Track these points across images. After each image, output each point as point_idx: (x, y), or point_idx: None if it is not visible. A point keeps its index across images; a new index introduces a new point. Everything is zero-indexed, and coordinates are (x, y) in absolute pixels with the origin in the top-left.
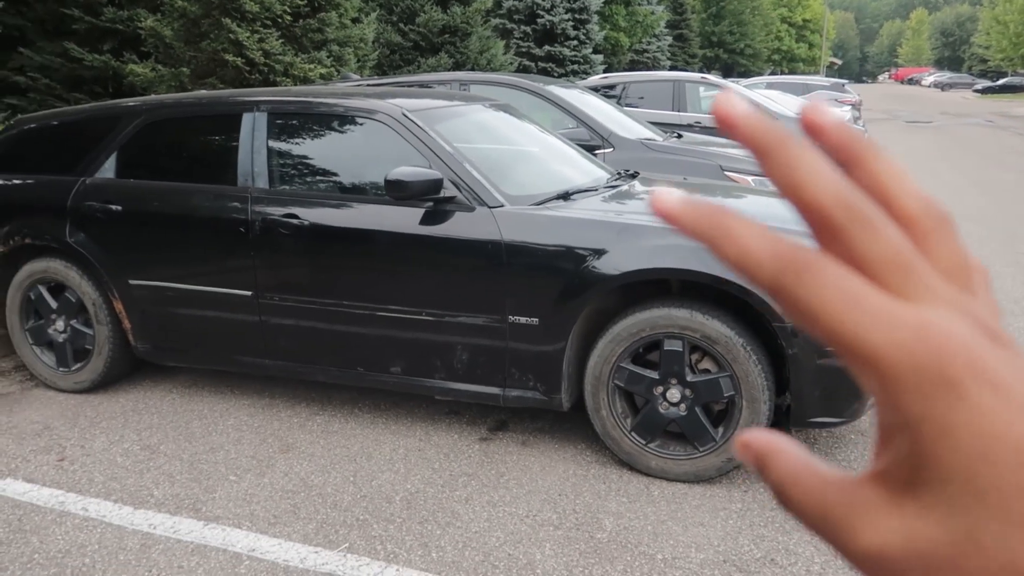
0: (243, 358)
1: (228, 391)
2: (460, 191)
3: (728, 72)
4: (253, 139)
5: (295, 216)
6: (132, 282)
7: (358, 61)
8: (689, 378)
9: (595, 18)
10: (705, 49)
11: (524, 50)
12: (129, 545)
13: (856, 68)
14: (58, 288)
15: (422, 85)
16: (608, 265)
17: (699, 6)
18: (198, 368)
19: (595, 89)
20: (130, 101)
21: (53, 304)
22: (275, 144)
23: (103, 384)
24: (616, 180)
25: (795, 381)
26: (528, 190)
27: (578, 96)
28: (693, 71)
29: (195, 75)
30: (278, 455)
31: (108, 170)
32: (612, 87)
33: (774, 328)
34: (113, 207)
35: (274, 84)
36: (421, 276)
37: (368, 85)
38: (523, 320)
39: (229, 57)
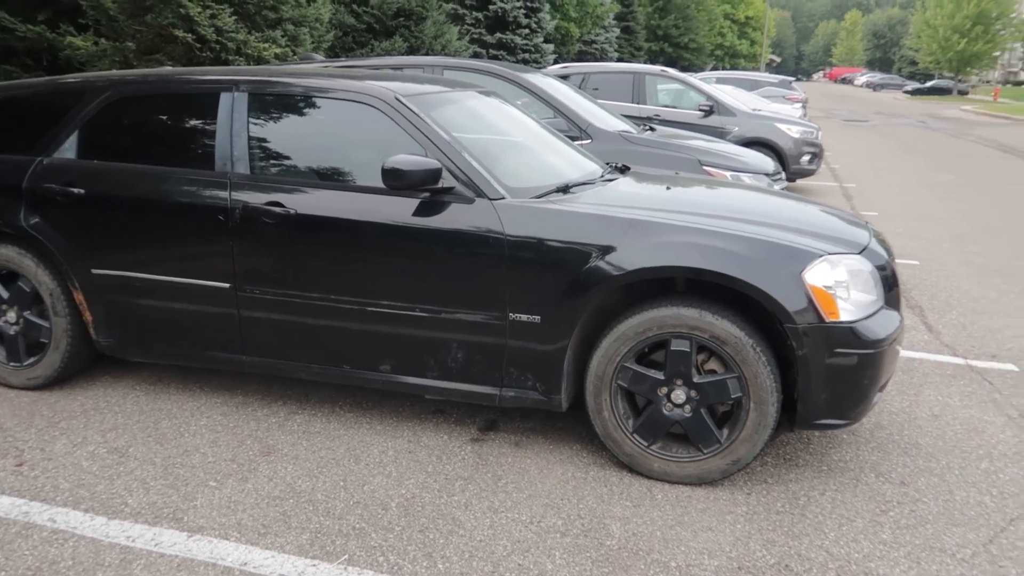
0: (218, 354)
1: (197, 388)
2: (459, 182)
3: (671, 66)
4: (232, 121)
5: (280, 204)
6: (95, 271)
7: (313, 42)
8: (695, 379)
9: (547, 7)
10: (651, 42)
11: (476, 36)
12: (108, 560)
13: (792, 66)
14: (10, 276)
15: (394, 69)
16: (616, 262)
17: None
18: (163, 364)
19: (559, 78)
20: (93, 75)
21: (4, 294)
22: (257, 127)
23: (59, 380)
24: (610, 173)
25: (803, 382)
26: (527, 182)
27: (554, 85)
28: (639, 63)
29: (140, 51)
30: (259, 458)
31: (69, 150)
32: (567, 77)
33: (785, 329)
34: (74, 190)
35: (226, 63)
36: (415, 270)
37: (336, 67)
38: (524, 317)
39: (179, 33)
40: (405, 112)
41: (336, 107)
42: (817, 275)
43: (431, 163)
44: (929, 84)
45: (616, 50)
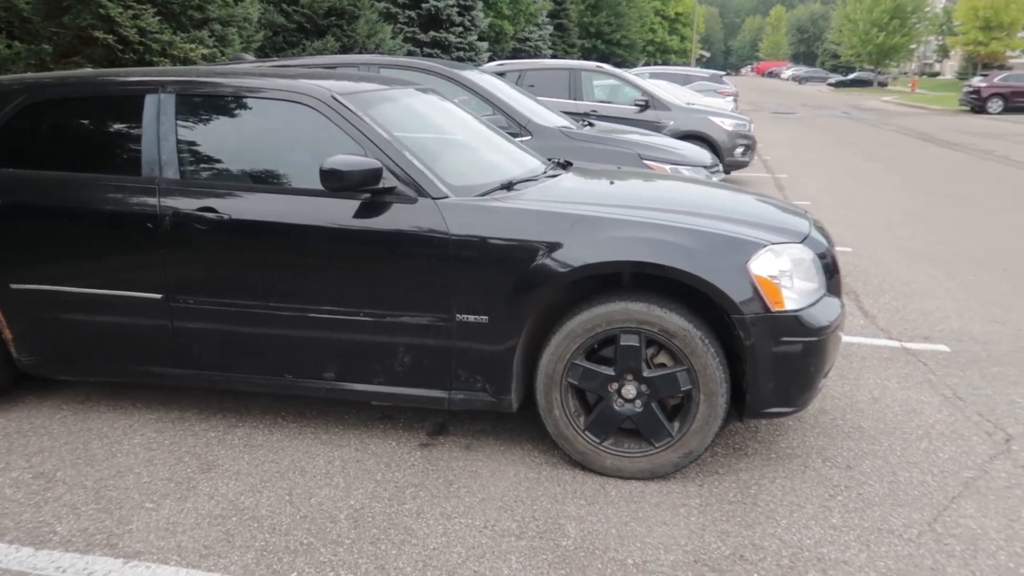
0: (151, 368)
1: (130, 405)
2: (400, 181)
3: (604, 62)
4: (159, 124)
5: (213, 210)
6: (14, 287)
7: (242, 42)
8: (645, 373)
9: (480, 5)
10: (584, 39)
11: (409, 35)
12: None
13: (721, 61)
14: None
15: (328, 68)
16: (563, 259)
17: None
18: (92, 381)
19: (496, 76)
20: (7, 79)
21: None
22: (186, 130)
23: None
24: (553, 170)
25: (751, 372)
26: (471, 180)
27: (492, 82)
28: (574, 60)
29: (58, 53)
30: (199, 475)
31: None
32: (503, 75)
33: (732, 320)
34: None
35: (150, 65)
36: (358, 274)
37: (269, 67)
38: (472, 318)
39: (99, 34)
40: (342, 111)
41: (270, 107)
42: (762, 265)
43: (371, 163)
44: (851, 77)
45: (550, 47)
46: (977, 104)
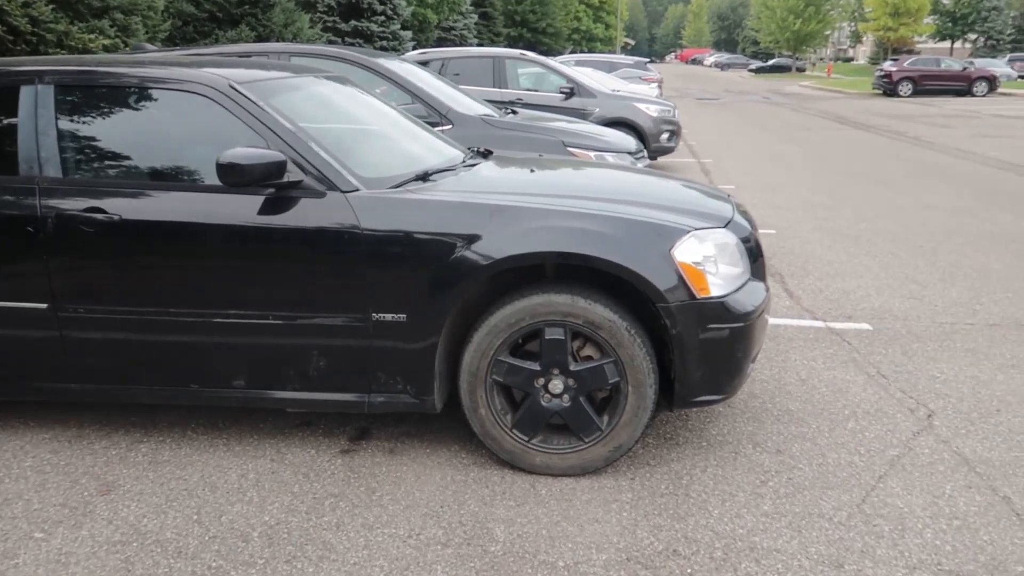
0: (41, 384)
1: (20, 424)
2: (307, 175)
3: (531, 50)
4: (37, 118)
5: (101, 210)
6: None
7: (147, 32)
8: (572, 367)
9: None
10: (509, 28)
11: (329, 24)
12: None
13: (646, 48)
14: None
15: (240, 56)
16: (482, 251)
17: None
18: None
19: (417, 64)
20: None
21: None
22: (68, 124)
23: None
24: (472, 159)
25: (679, 361)
26: (383, 172)
27: (411, 70)
28: (500, 48)
29: None
30: (96, 498)
31: None
32: (427, 63)
33: (658, 308)
34: None
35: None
36: (265, 274)
37: (174, 56)
38: (389, 317)
39: None
40: (242, 101)
41: (163, 98)
42: (686, 251)
43: (274, 155)
44: (771, 63)
45: (475, 36)
46: (889, 87)
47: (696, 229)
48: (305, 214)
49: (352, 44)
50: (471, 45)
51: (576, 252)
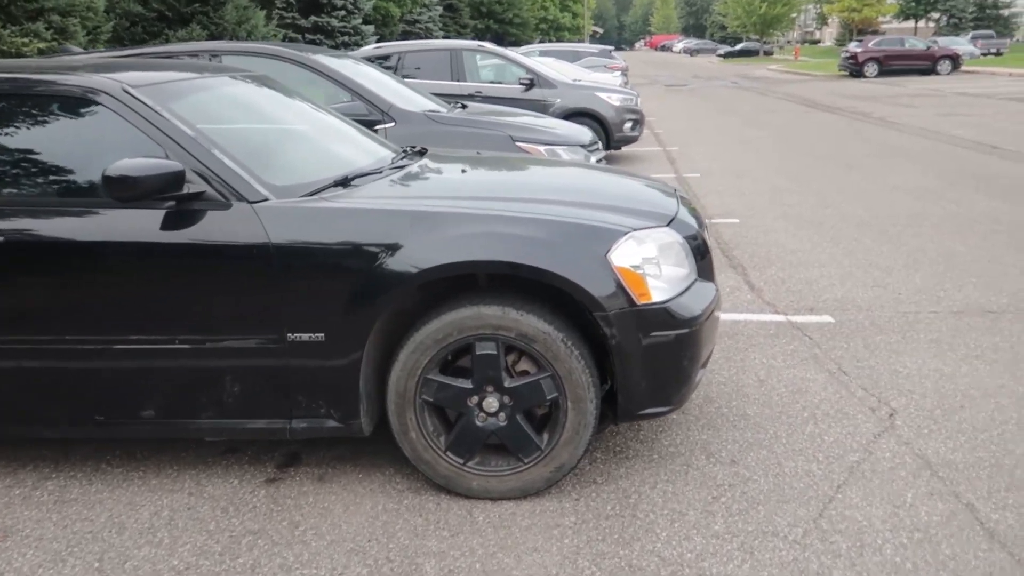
0: None
1: None
2: (210, 185)
3: (499, 41)
4: None
5: None
6: None
7: (88, 33)
8: (507, 383)
9: None
10: (476, 20)
11: (289, 21)
12: None
13: (615, 36)
14: None
15: (166, 56)
16: (403, 262)
17: None
18: None
19: (369, 60)
20: None
21: None
22: None
23: None
24: (402, 159)
25: (621, 373)
26: (299, 178)
27: (351, 67)
28: (467, 40)
29: None
30: None
31: None
32: (387, 58)
33: (595, 317)
34: None
35: None
36: (169, 295)
37: (98, 58)
38: (306, 337)
39: None
40: (136, 106)
41: (53, 106)
42: (624, 255)
43: (170, 165)
44: (739, 47)
45: (441, 29)
46: (855, 69)
47: (635, 230)
48: (209, 228)
49: (312, 40)
50: (437, 38)
51: (501, 260)
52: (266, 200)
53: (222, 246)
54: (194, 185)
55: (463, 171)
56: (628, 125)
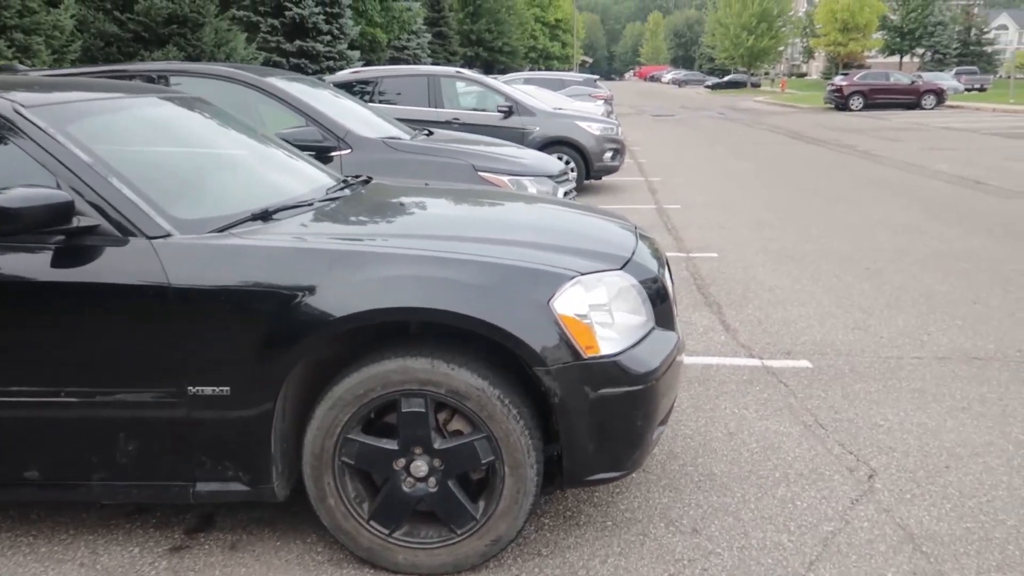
0: None
1: None
2: (106, 217)
3: (489, 69)
4: None
5: None
6: None
7: (53, 53)
8: (437, 445)
9: (348, 12)
10: (465, 47)
11: (274, 45)
12: None
13: (605, 66)
14: None
15: (113, 76)
16: (319, 308)
17: (456, 4)
18: None
19: (347, 84)
20: None
21: None
22: None
23: None
24: (340, 190)
25: (566, 434)
26: (212, 211)
27: (307, 91)
28: (455, 67)
29: None
30: None
31: None
32: (365, 83)
33: (534, 373)
34: None
35: None
36: (55, 342)
37: (36, 77)
38: (209, 391)
39: None
40: (27, 128)
41: None
42: (569, 302)
43: (56, 195)
44: (727, 79)
45: (429, 55)
46: (840, 102)
47: (583, 274)
48: (101, 267)
49: (296, 65)
50: (425, 65)
51: (427, 307)
52: (168, 236)
53: (115, 287)
54: (87, 218)
55: (401, 204)
56: (608, 155)
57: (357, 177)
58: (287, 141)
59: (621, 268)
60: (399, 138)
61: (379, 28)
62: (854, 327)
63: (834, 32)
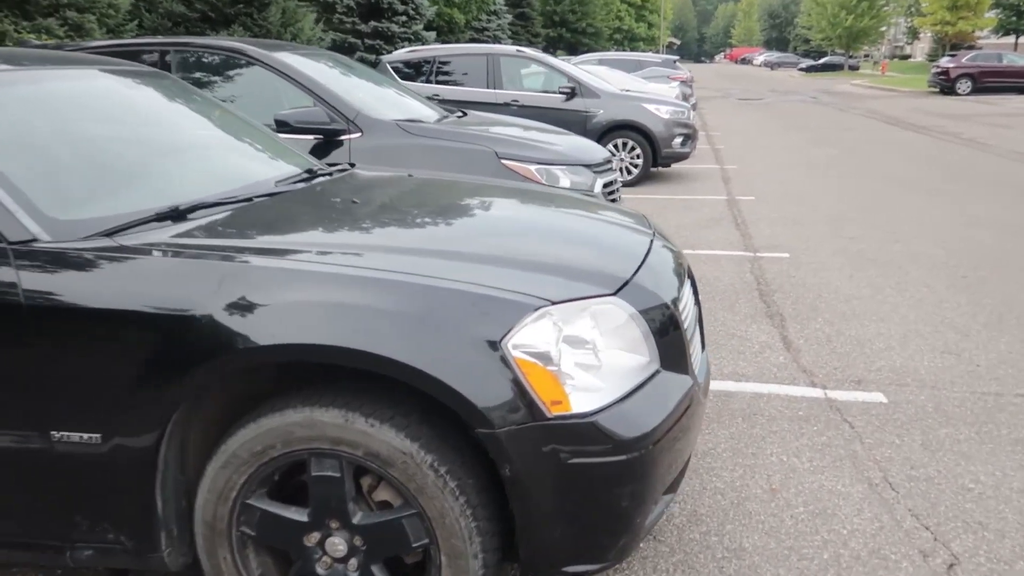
0: None
1: None
2: None
3: (573, 51)
4: None
5: None
6: None
7: (108, 32)
8: (357, 519)
9: None
10: (548, 28)
11: (349, 25)
12: None
13: (695, 49)
14: None
15: (117, 51)
16: (207, 339)
17: None
18: None
19: (405, 63)
20: None
21: None
22: None
23: None
24: (295, 182)
25: (521, 516)
26: (106, 209)
27: (316, 67)
28: (537, 49)
29: None
30: None
31: None
32: (422, 63)
33: (477, 435)
34: None
35: None
36: None
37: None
38: (76, 437)
39: None
40: None
41: None
42: (530, 339)
43: None
44: (822, 61)
45: (510, 37)
46: (946, 85)
47: (556, 302)
48: None
49: (372, 46)
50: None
51: (331, 345)
52: (31, 240)
53: None
54: None
55: (353, 202)
56: (678, 140)
57: (334, 165)
58: (287, 124)
59: (615, 293)
60: (418, 120)
61: (456, 8)
62: (944, 351)
63: (941, 11)
